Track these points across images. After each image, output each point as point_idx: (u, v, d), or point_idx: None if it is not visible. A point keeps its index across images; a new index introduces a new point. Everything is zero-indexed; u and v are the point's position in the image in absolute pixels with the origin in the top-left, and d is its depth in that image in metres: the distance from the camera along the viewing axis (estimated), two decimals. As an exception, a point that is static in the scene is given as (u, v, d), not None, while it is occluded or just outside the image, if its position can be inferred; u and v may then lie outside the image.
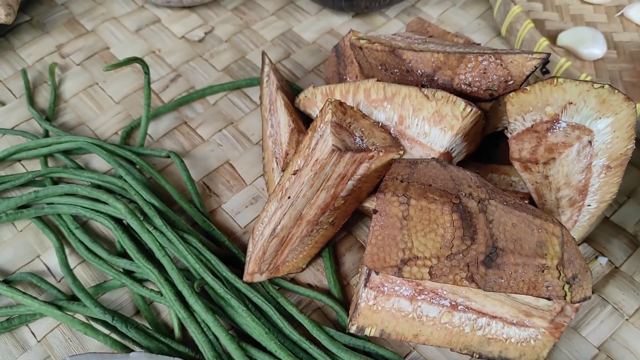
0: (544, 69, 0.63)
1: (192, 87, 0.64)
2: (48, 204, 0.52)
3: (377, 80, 0.48)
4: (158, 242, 0.47)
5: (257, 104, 0.63)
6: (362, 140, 0.44)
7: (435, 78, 0.47)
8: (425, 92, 0.45)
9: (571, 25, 0.69)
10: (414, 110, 0.45)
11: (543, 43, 0.62)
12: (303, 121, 0.54)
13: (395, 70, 0.50)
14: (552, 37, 0.67)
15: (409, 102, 0.46)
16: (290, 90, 0.60)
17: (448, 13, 0.72)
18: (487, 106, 0.49)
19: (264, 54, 0.59)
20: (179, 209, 0.54)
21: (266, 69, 0.58)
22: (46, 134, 0.58)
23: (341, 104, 0.45)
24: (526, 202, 0.45)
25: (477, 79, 0.46)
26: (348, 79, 0.56)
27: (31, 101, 0.61)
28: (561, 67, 0.60)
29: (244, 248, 0.51)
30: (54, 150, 0.55)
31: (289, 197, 0.44)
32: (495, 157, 0.52)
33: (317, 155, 0.42)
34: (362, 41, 0.51)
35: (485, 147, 0.52)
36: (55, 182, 0.54)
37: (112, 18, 0.71)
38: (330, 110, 0.44)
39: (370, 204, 0.50)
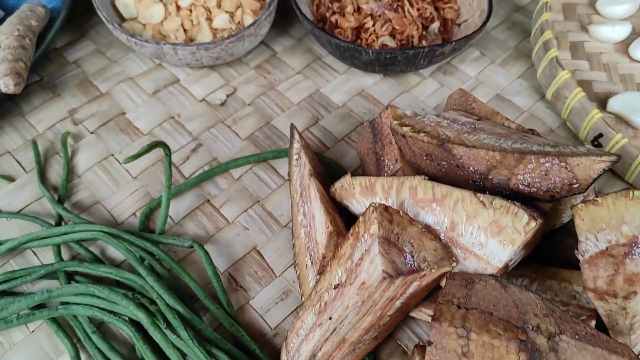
0: (595, 142, 0.59)
1: (214, 159, 0.60)
2: (62, 303, 0.49)
3: (425, 179, 0.44)
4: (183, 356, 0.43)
5: (285, 178, 0.59)
6: (413, 256, 0.40)
7: (490, 177, 0.43)
8: (481, 199, 0.41)
9: (621, 87, 0.65)
10: (467, 216, 0.42)
11: (595, 116, 0.58)
12: (339, 211, 0.50)
13: (443, 163, 0.46)
14: (601, 101, 0.63)
15: (462, 207, 0.42)
16: (323, 167, 0.56)
17: (487, 72, 0.68)
18: (547, 207, 0.45)
19: (292, 128, 0.55)
20: (203, 305, 0.50)
21: (296, 145, 0.55)
22: (59, 218, 0.55)
23: (387, 209, 0.42)
24: (594, 322, 0.41)
25: (537, 180, 0.42)
26: (387, 161, 0.53)
27: (42, 177, 0.58)
28: (616, 144, 0.56)
29: (275, 354, 0.48)
30: (68, 239, 0.51)
31: (330, 318, 0.40)
32: (551, 254, 0.48)
33: (363, 277, 0.39)
34: (405, 128, 0.48)
35: (541, 243, 0.48)
36: (70, 274, 0.51)
37: (127, 78, 0.67)
38: (376, 221, 0.40)
39: (416, 314, 0.46)
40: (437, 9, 0.70)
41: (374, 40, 0.63)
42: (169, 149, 0.52)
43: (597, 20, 0.71)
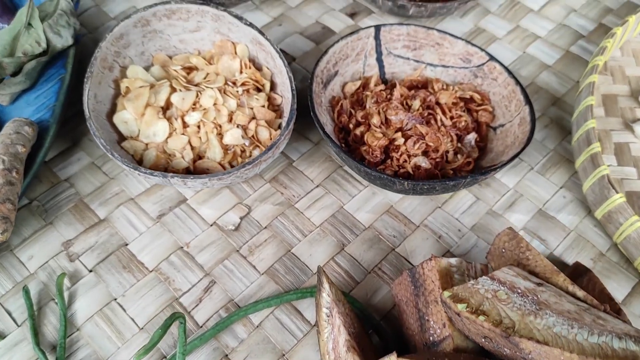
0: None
1: (230, 300, 0.55)
2: None
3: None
4: None
5: (311, 323, 0.54)
6: None
7: (565, 378, 0.39)
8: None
9: (675, 200, 0.60)
10: None
11: (658, 252, 0.53)
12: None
13: (506, 350, 0.41)
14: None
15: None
16: (356, 318, 0.51)
17: (526, 181, 0.64)
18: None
19: (320, 272, 0.50)
20: None
21: (325, 297, 0.49)
22: (58, 391, 0.49)
23: None
24: None
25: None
26: (432, 322, 0.48)
27: (36, 335, 0.52)
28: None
29: None
30: None
31: None
32: None
33: None
34: (460, 306, 0.43)
35: None
36: None
37: (128, 200, 0.62)
38: None
39: None
40: (469, 110, 0.65)
41: (405, 160, 0.58)
42: (184, 317, 0.47)
43: (643, 119, 0.67)
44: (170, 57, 0.66)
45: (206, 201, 0.62)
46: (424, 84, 0.67)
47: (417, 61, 0.69)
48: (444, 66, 0.68)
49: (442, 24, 0.79)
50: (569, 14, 0.80)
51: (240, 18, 0.62)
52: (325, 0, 0.81)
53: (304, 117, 0.67)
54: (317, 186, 0.64)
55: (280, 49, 0.75)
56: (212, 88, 0.60)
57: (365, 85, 0.67)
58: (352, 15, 0.79)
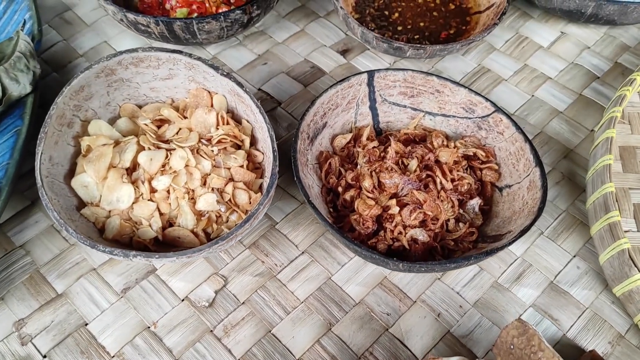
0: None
1: (202, 393, 0.49)
2: None
3: None
4: None
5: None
6: None
7: None
8: None
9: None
10: None
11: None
12: None
13: None
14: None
15: None
16: None
17: (535, 248, 0.58)
18: None
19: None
20: None
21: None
22: None
23: None
24: None
25: None
26: None
27: None
28: None
29: None
30: None
31: None
32: None
33: None
34: None
35: None
36: None
37: (90, 270, 0.56)
38: None
39: None
40: (472, 168, 0.59)
41: (401, 232, 0.52)
42: None
43: (666, 177, 0.61)
44: (140, 107, 0.60)
45: (178, 272, 0.56)
46: (422, 138, 0.61)
47: (414, 109, 0.63)
48: (444, 115, 0.62)
49: (442, 62, 0.73)
50: (582, 52, 0.74)
51: (216, 68, 0.56)
52: (314, 35, 0.75)
53: (289, 171, 0.61)
54: (302, 253, 0.58)
55: (265, 92, 0.69)
56: (183, 148, 0.54)
57: (357, 138, 0.61)
58: (344, 52, 0.73)
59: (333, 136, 0.61)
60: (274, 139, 0.54)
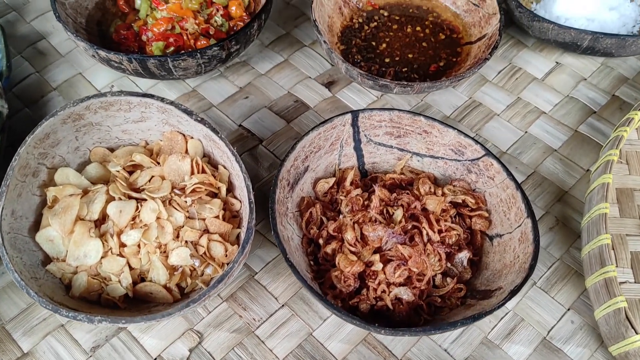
0: None
1: None
2: None
3: None
4: None
5: None
6: None
7: None
8: None
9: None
10: None
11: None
12: None
13: None
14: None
15: None
16: None
17: (527, 300, 0.56)
18: None
19: None
20: None
21: None
22: None
23: None
24: None
25: None
26: None
27: None
28: None
29: None
30: None
31: None
32: None
33: None
34: None
35: None
36: None
37: (57, 327, 0.54)
38: None
39: None
40: (460, 215, 0.56)
41: (384, 291, 0.50)
42: None
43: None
44: (112, 150, 0.58)
45: (150, 328, 0.54)
46: (409, 182, 0.59)
47: (401, 150, 0.61)
48: (432, 157, 0.60)
49: (432, 95, 0.70)
50: (578, 84, 0.71)
51: (189, 113, 0.53)
52: (299, 66, 0.72)
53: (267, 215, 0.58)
54: (282, 306, 0.55)
55: (246, 128, 0.67)
56: (155, 199, 0.52)
57: (340, 182, 0.59)
58: (329, 84, 0.71)
59: (315, 180, 0.59)
60: (251, 190, 0.51)
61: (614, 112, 0.68)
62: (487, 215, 0.56)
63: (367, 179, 0.60)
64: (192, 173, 0.55)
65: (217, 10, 0.69)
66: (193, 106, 0.68)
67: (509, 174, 0.55)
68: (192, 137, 0.57)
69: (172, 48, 0.65)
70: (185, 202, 0.53)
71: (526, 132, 0.67)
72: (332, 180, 0.58)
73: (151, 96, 0.54)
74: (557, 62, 0.73)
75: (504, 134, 0.67)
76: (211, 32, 0.67)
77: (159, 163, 0.56)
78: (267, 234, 0.59)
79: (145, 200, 0.52)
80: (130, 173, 0.56)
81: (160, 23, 0.66)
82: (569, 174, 0.64)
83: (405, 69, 0.69)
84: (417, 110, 0.69)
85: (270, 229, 0.51)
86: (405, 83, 0.61)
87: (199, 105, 0.68)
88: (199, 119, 0.53)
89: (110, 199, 0.53)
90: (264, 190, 0.62)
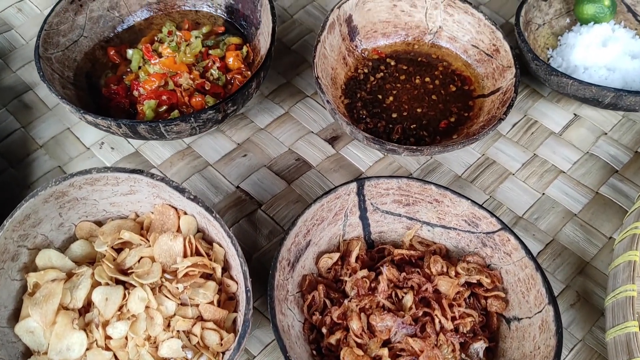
0: None
1: None
2: None
3: None
4: None
5: None
6: None
7: None
8: None
9: None
10: None
11: None
12: None
13: None
14: None
15: None
16: None
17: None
18: None
19: None
20: None
21: None
22: None
23: None
24: None
25: None
26: None
27: None
28: None
29: None
30: None
31: None
32: None
33: None
34: None
35: None
36: None
37: (38, 422, 0.49)
38: None
39: None
40: (475, 295, 0.53)
41: (393, 390, 0.46)
42: None
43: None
44: (100, 223, 0.54)
45: (139, 422, 0.50)
46: (419, 257, 0.55)
47: (410, 219, 0.57)
48: (444, 227, 0.56)
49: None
50: (598, 139, 0.67)
51: (181, 190, 0.50)
52: (300, 119, 0.69)
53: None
54: (281, 391, 0.52)
55: (244, 191, 0.63)
56: (143, 286, 0.48)
57: (345, 255, 0.55)
58: (332, 140, 0.67)
59: (318, 254, 0.55)
60: (248, 277, 0.47)
61: (637, 172, 0.65)
62: (503, 295, 0.53)
63: (374, 251, 0.57)
64: (185, 254, 0.51)
65: (214, 62, 0.66)
66: (188, 165, 0.64)
67: (528, 252, 0.52)
68: (185, 213, 0.53)
69: (165, 107, 0.62)
70: (177, 288, 0.49)
71: (543, 193, 0.63)
72: (335, 256, 0.55)
73: (140, 172, 0.50)
74: (575, 114, 0.69)
75: (520, 196, 0.63)
76: (207, 87, 0.64)
77: (148, 241, 0.52)
78: (267, 312, 0.56)
79: (134, 288, 0.49)
80: (119, 250, 0.52)
81: (152, 80, 0.62)
82: (590, 241, 0.60)
83: (414, 125, 0.65)
84: (427, 169, 0.65)
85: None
86: (415, 148, 0.57)
87: (194, 165, 0.65)
88: (191, 197, 0.50)
89: (96, 283, 0.49)
90: (263, 261, 0.59)
